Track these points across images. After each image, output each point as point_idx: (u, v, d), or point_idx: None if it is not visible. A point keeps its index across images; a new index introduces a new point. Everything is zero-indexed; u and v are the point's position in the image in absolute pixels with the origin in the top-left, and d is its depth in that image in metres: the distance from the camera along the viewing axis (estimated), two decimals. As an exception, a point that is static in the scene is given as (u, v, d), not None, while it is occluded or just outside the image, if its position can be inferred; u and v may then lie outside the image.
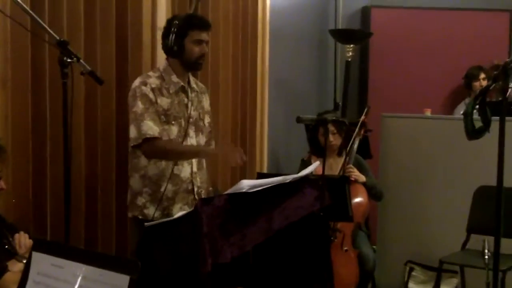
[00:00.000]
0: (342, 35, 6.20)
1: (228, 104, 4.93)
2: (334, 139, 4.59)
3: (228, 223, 2.66)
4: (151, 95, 3.36)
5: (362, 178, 4.48)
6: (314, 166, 3.26)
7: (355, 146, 4.55)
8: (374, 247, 4.91)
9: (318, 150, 4.63)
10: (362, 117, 4.73)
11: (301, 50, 6.34)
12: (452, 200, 4.81)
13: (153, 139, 3.31)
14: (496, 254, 2.65)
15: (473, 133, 2.83)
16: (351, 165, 4.49)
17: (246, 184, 2.73)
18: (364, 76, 6.70)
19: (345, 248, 4.18)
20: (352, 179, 4.38)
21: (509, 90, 5.55)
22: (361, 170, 4.56)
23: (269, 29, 5.45)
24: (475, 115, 2.88)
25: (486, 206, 4.43)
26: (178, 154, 3.42)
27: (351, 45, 6.05)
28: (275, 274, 3.40)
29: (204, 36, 3.42)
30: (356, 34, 6.25)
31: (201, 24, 3.43)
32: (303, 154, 4.93)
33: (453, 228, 4.58)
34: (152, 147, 3.32)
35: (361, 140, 4.68)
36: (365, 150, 4.98)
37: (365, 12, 6.74)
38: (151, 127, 3.30)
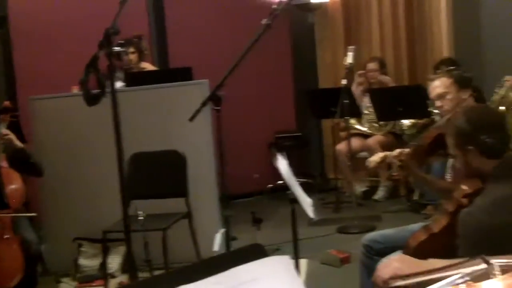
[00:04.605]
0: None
1: None
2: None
3: None
4: None
5: (19, 144, 4.41)
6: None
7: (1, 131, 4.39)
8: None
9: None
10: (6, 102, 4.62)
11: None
12: (110, 171, 4.92)
13: None
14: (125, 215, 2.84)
15: (90, 99, 3.01)
16: (7, 131, 4.38)
17: None
18: (9, 59, 6.50)
19: (6, 236, 4.08)
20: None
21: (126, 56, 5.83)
22: None
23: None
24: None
25: (138, 172, 4.67)
26: None
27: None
28: None
29: None
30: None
31: None
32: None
33: (115, 198, 4.68)
34: None
35: (10, 125, 4.56)
36: (17, 135, 4.88)
37: (1, -6, 6.51)
38: None
